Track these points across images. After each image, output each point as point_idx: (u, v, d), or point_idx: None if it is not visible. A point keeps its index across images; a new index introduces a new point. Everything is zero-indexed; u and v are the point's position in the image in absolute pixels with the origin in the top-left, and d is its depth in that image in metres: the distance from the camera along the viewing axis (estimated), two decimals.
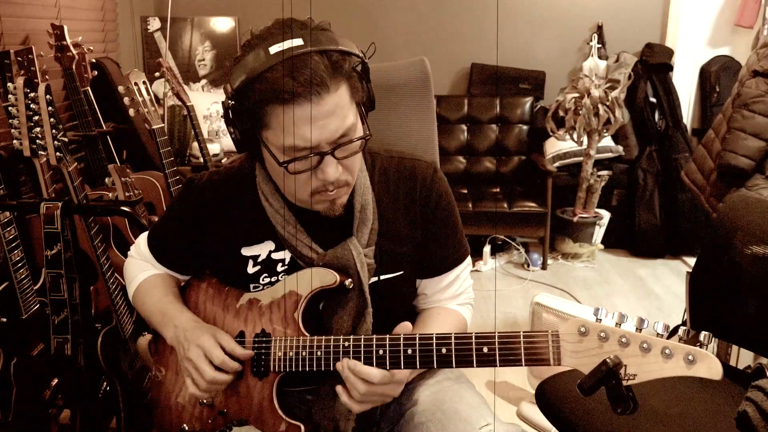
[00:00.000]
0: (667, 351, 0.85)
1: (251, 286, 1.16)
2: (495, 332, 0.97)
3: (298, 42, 0.94)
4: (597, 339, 0.90)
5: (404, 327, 1.04)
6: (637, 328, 0.89)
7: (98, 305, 1.90)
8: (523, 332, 0.95)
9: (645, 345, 0.87)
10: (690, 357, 0.84)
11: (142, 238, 1.31)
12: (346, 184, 1.06)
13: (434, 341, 0.99)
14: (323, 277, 1.09)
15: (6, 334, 1.77)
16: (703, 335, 0.86)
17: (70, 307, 1.74)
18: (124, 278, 1.34)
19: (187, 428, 1.18)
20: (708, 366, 0.84)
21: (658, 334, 0.88)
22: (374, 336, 1.03)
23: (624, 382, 0.87)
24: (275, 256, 1.15)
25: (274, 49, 0.94)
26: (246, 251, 1.16)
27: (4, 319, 1.77)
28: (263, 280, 1.15)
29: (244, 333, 1.13)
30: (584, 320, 0.91)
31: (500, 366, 0.96)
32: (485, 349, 0.96)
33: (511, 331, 0.96)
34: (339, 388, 1.04)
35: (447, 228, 1.19)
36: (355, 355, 1.03)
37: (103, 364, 1.84)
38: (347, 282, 1.09)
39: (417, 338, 1.00)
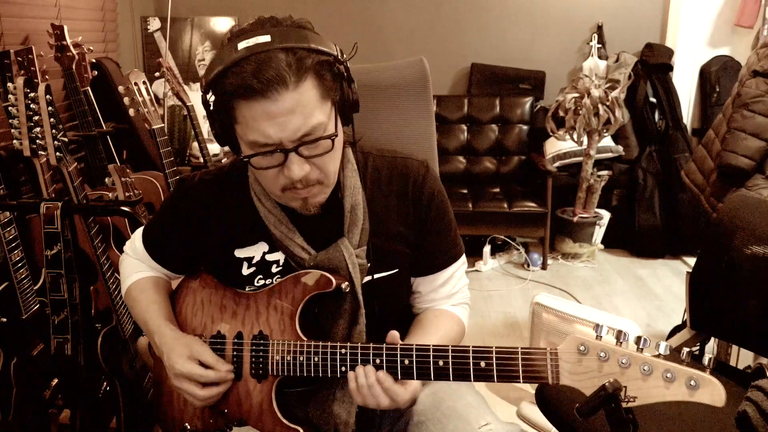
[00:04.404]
0: (668, 375, 0.84)
1: (246, 287, 1.16)
2: (493, 347, 0.96)
3: (265, 38, 0.95)
4: (596, 359, 0.88)
5: (392, 336, 1.03)
6: (638, 348, 0.87)
7: (98, 305, 1.90)
8: (522, 349, 0.94)
9: (646, 368, 0.85)
10: (692, 382, 0.83)
11: (138, 234, 1.30)
12: (319, 183, 1.04)
13: (431, 353, 0.99)
14: (320, 281, 1.09)
15: (6, 334, 1.77)
16: (707, 358, 0.84)
17: (70, 307, 1.74)
18: (119, 275, 1.35)
19: (189, 427, 1.18)
20: (711, 392, 0.83)
21: (658, 354, 0.86)
22: (371, 344, 1.02)
23: (623, 404, 0.85)
24: (269, 257, 1.15)
25: (242, 45, 0.95)
26: (239, 253, 1.16)
27: (4, 319, 1.77)
28: (258, 282, 1.16)
29: (242, 334, 1.13)
30: (583, 338, 0.89)
31: (498, 381, 0.95)
32: (483, 364, 0.96)
33: (509, 347, 0.95)
34: (351, 375, 1.02)
35: (440, 226, 1.18)
36: (352, 362, 1.02)
37: (103, 364, 1.84)
38: (344, 285, 1.09)
39: (414, 349, 1.00)
